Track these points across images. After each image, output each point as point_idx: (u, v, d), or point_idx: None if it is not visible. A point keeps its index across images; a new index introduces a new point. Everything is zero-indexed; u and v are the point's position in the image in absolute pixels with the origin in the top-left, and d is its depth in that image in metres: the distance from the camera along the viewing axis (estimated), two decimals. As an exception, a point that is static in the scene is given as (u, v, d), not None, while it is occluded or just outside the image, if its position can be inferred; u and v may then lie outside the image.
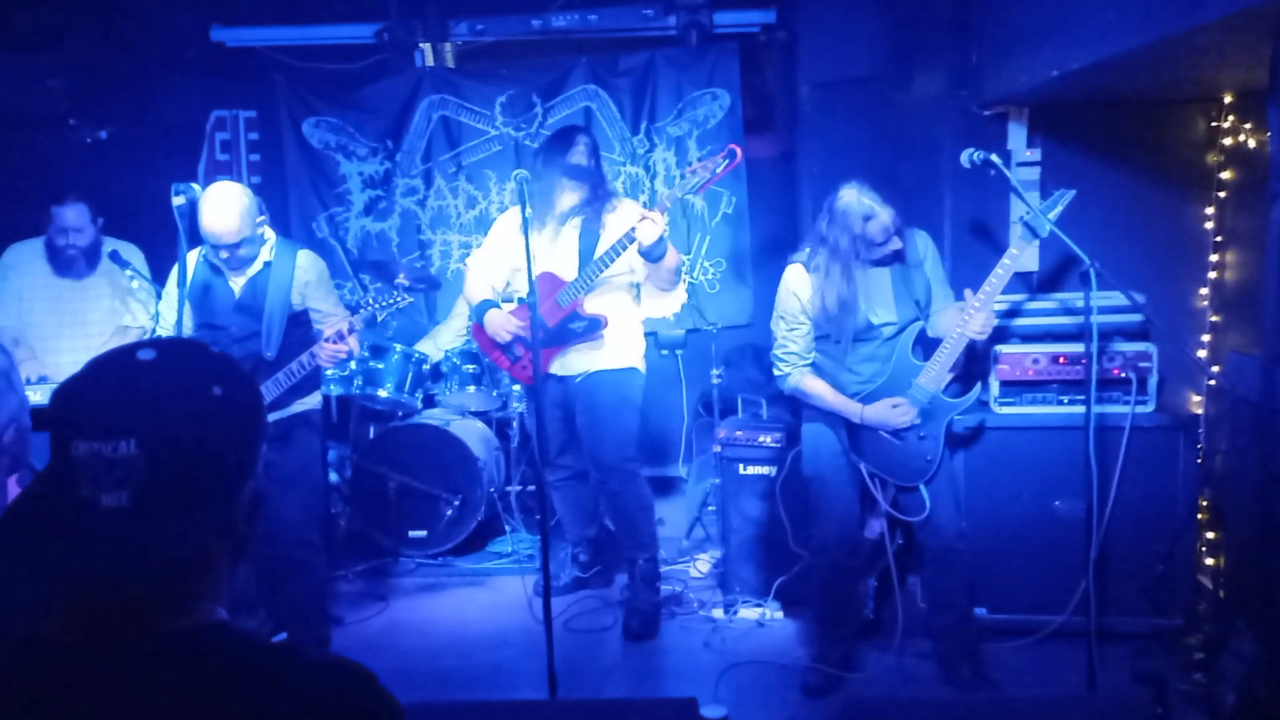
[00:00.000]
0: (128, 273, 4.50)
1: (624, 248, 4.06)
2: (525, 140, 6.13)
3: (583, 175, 4.26)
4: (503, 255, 4.42)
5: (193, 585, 1.19)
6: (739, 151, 4.01)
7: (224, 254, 3.77)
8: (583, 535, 4.83)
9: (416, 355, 5.31)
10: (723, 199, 6.15)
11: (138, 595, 1.14)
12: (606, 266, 4.15)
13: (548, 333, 4.26)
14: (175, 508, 1.14)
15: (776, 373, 3.77)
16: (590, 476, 4.53)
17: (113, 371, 1.19)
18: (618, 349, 4.37)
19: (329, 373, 5.12)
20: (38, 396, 4.03)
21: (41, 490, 1.17)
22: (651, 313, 4.43)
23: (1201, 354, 4.32)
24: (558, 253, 4.31)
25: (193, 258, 3.87)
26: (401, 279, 5.16)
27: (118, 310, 4.62)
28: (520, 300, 4.44)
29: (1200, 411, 4.28)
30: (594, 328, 4.28)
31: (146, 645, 1.14)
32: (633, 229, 3.99)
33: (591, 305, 4.29)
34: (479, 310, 4.44)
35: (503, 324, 4.34)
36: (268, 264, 3.89)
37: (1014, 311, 4.12)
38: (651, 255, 4.03)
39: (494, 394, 5.38)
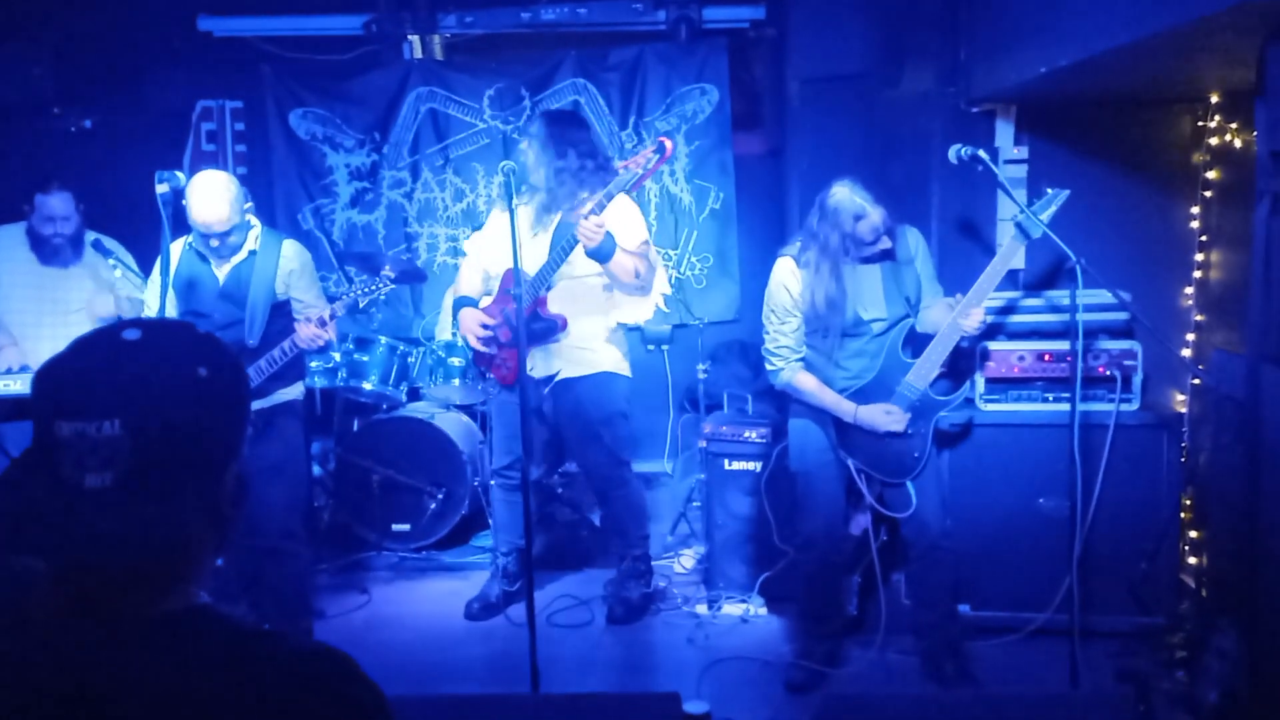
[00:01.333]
0: (110, 261, 4.46)
1: (569, 248, 4.02)
2: (513, 133, 6.11)
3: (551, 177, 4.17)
4: (498, 242, 4.26)
5: (176, 568, 1.17)
6: (669, 145, 3.96)
7: (214, 241, 3.78)
8: (514, 545, 4.56)
9: (401, 348, 5.29)
10: (710, 194, 6.15)
11: (120, 577, 1.13)
12: (556, 268, 4.08)
13: (514, 332, 4.14)
14: (159, 489, 1.12)
15: (769, 368, 3.75)
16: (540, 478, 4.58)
17: (97, 351, 1.17)
18: (588, 354, 4.26)
19: (313, 365, 5.09)
20: (18, 386, 3.99)
21: (24, 471, 1.15)
22: (623, 318, 4.35)
23: (1186, 352, 4.34)
24: (534, 250, 4.17)
25: (177, 247, 3.86)
26: (387, 271, 5.12)
27: (101, 301, 4.57)
28: (507, 294, 4.37)
29: (1184, 410, 4.29)
30: (550, 330, 4.19)
31: (129, 627, 1.13)
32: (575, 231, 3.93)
33: (560, 307, 4.19)
34: (455, 308, 4.39)
35: (471, 325, 4.27)
36: (253, 253, 3.89)
37: (1002, 308, 4.12)
38: (598, 256, 3.99)
39: (479, 387, 5.35)
